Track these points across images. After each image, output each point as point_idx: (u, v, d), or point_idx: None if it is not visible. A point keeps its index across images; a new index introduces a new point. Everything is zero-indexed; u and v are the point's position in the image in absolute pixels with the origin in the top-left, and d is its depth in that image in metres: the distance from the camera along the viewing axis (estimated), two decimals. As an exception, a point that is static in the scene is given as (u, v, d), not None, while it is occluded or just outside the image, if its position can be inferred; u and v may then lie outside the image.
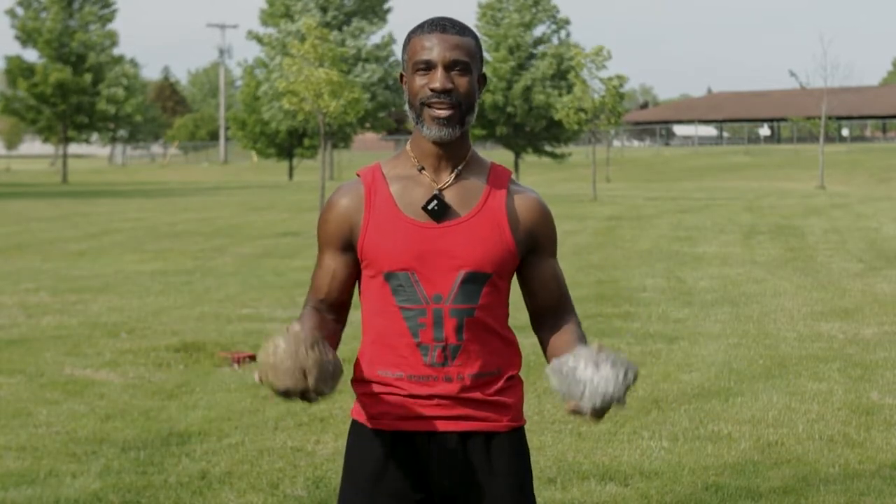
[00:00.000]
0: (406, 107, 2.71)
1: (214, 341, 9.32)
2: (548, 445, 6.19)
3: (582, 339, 2.75)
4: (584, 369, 2.51)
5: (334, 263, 2.75)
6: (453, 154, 2.70)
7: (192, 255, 17.07)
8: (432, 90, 2.62)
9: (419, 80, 2.65)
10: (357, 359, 2.78)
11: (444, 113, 2.63)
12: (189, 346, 9.09)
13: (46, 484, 5.56)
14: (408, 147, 2.75)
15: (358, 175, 2.77)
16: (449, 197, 2.68)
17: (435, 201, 2.65)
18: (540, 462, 5.86)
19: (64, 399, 7.33)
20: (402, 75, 2.73)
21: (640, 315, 10.80)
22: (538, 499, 5.29)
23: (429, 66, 2.64)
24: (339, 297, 2.78)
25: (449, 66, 2.63)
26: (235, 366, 8.35)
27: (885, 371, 8.16)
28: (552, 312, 2.81)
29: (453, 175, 2.70)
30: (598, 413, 2.53)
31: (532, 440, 6.26)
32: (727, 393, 7.47)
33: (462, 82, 2.64)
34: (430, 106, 2.64)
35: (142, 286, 13.17)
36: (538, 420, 6.74)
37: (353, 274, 2.76)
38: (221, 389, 7.60)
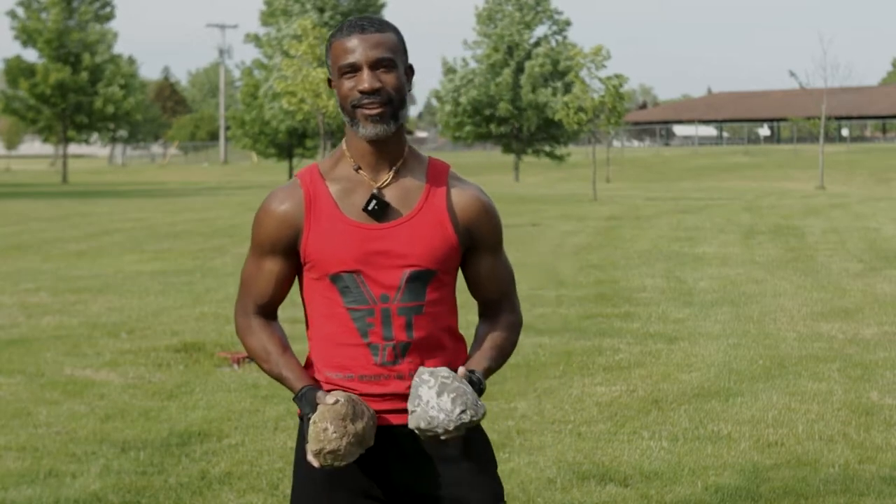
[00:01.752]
0: (339, 111, 2.72)
1: (214, 341, 9.31)
2: (548, 445, 6.19)
3: (496, 351, 2.76)
4: (428, 389, 2.57)
5: (277, 267, 2.77)
6: (390, 151, 2.70)
7: (192, 255, 17.06)
8: (361, 91, 2.63)
9: (347, 84, 2.65)
10: (307, 360, 2.79)
11: (376, 111, 2.63)
12: (189, 346, 9.09)
13: (46, 484, 5.56)
14: (344, 147, 2.74)
15: (297, 177, 2.77)
16: (389, 196, 2.69)
17: (374, 201, 2.66)
18: (539, 462, 5.86)
19: (64, 399, 7.33)
20: (329, 80, 2.73)
21: (640, 315, 10.80)
22: (539, 500, 5.30)
23: (354, 69, 2.64)
24: (281, 300, 2.82)
25: (374, 66, 2.64)
26: (235, 366, 8.35)
27: (885, 371, 8.15)
28: (490, 307, 2.83)
29: (392, 173, 2.70)
30: (423, 435, 2.58)
31: (532, 440, 6.27)
32: (727, 393, 7.47)
33: (389, 79, 2.65)
34: (360, 107, 2.64)
35: (142, 286, 13.16)
36: (538, 420, 6.74)
37: (294, 276, 2.79)
38: (221, 389, 7.60)
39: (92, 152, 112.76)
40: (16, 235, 21.12)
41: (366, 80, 2.63)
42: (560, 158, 55.83)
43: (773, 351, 8.94)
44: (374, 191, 2.67)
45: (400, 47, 2.69)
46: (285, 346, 2.77)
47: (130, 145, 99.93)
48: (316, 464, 2.57)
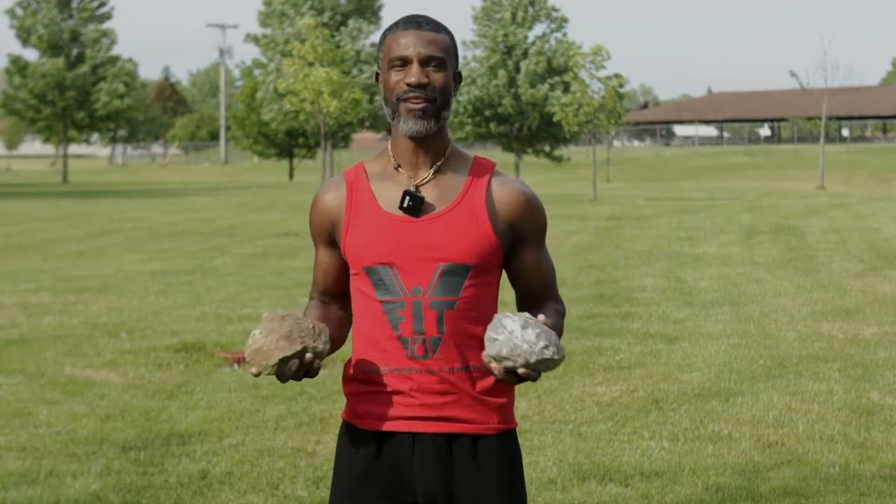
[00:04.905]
0: (382, 104, 2.72)
1: (214, 341, 9.31)
2: (548, 445, 6.19)
3: (554, 323, 2.71)
4: (512, 322, 2.51)
5: (326, 258, 2.81)
6: (431, 150, 2.70)
7: (192, 255, 17.06)
8: (408, 84, 2.63)
9: (395, 76, 2.66)
10: (349, 359, 2.79)
11: (419, 105, 2.63)
12: (189, 346, 9.09)
13: (46, 484, 5.56)
14: (388, 146, 2.76)
15: (343, 173, 2.79)
16: (427, 192, 2.68)
17: (408, 198, 2.66)
18: (540, 462, 5.86)
19: (64, 399, 7.33)
20: (377, 74, 2.73)
21: (640, 315, 10.80)
22: (539, 500, 5.30)
23: (404, 62, 2.65)
24: (338, 289, 2.83)
25: (424, 62, 2.64)
26: (235, 366, 8.35)
27: (885, 371, 8.16)
28: (534, 297, 2.81)
29: (432, 171, 2.70)
30: (502, 365, 2.50)
31: (532, 440, 6.27)
32: (727, 393, 7.47)
33: (437, 77, 2.65)
34: (405, 100, 2.64)
35: (142, 286, 13.16)
36: (538, 420, 6.73)
37: (346, 267, 2.79)
38: (221, 389, 7.60)
39: (92, 152, 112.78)
40: (16, 235, 21.12)
41: (414, 73, 2.63)
42: (559, 160, 55.79)
43: (774, 351, 8.94)
44: (411, 188, 2.68)
45: (452, 51, 2.70)
46: (322, 315, 2.81)
47: (131, 145, 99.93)
48: (254, 371, 2.62)
